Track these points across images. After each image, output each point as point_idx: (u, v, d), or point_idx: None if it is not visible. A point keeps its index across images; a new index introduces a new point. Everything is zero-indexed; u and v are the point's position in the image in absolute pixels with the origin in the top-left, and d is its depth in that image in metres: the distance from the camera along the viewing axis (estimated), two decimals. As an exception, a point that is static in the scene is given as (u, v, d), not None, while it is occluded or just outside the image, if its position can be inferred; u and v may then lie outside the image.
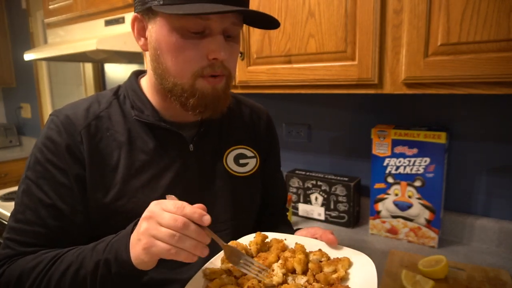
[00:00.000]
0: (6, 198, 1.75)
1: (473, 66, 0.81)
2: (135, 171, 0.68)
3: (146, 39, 0.67)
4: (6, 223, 1.65)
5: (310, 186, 1.37)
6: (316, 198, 1.36)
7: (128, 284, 0.57)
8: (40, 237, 0.65)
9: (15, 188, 1.90)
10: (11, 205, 1.66)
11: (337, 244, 0.67)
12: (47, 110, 2.92)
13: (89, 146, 0.66)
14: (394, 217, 1.20)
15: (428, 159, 1.11)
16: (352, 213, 1.30)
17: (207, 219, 0.53)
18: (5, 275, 0.63)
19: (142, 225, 0.53)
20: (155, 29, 0.63)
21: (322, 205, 1.35)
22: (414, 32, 0.86)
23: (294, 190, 1.41)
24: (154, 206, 0.54)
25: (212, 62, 0.63)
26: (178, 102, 0.66)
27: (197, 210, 0.53)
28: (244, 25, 0.69)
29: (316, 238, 0.70)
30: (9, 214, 1.62)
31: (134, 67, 2.18)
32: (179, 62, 0.63)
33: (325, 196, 1.34)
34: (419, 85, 0.90)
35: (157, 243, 0.51)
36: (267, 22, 0.67)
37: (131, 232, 0.56)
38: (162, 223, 0.51)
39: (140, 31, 0.67)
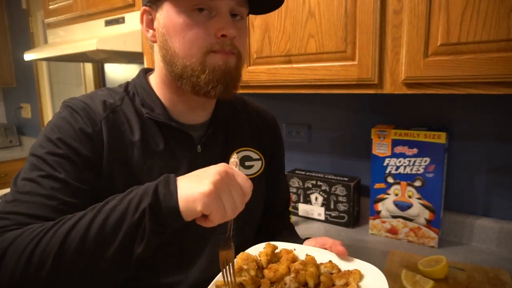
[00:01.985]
0: (6, 198, 1.75)
1: (473, 66, 0.81)
2: (146, 170, 0.68)
3: (154, 30, 0.68)
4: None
5: (310, 186, 1.37)
6: (316, 198, 1.36)
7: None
8: (44, 209, 0.57)
9: (15, 188, 1.90)
10: (11, 205, 1.67)
11: (347, 255, 0.67)
12: (47, 110, 2.92)
13: (108, 138, 0.65)
14: (394, 217, 1.20)
15: (428, 159, 1.11)
16: (352, 213, 1.30)
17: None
18: None
19: (216, 176, 0.51)
20: (163, 15, 0.64)
21: (322, 205, 1.35)
22: (414, 32, 0.86)
23: (294, 190, 1.41)
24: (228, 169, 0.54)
25: (221, 40, 0.63)
26: (190, 85, 0.65)
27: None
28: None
29: (325, 249, 0.69)
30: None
31: (134, 67, 2.18)
32: (187, 41, 0.63)
33: (325, 196, 1.34)
34: (419, 85, 0.90)
35: (219, 202, 0.51)
36: (271, 2, 0.69)
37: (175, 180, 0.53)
38: (232, 189, 0.52)
39: (149, 24, 0.69)
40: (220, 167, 0.53)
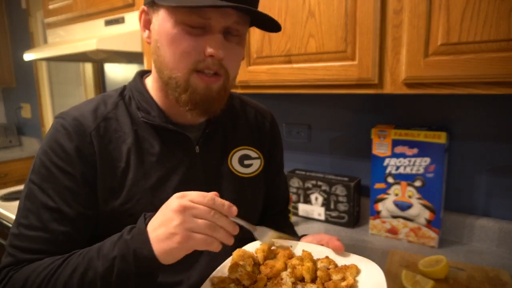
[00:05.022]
0: (6, 198, 1.75)
1: (473, 66, 0.81)
2: (143, 173, 0.68)
3: (150, 31, 0.68)
4: (6, 223, 1.64)
5: (310, 186, 1.37)
6: (316, 198, 1.36)
7: (143, 285, 0.56)
8: (43, 243, 0.63)
9: (15, 188, 1.90)
10: (11, 205, 1.67)
11: (344, 250, 0.67)
12: (47, 110, 2.92)
13: (99, 148, 0.66)
14: (394, 217, 1.20)
15: (428, 159, 1.11)
16: (352, 213, 1.30)
17: (234, 210, 0.55)
18: (11, 282, 0.61)
19: (175, 219, 0.53)
20: (158, 22, 0.64)
21: (322, 205, 1.35)
22: (414, 32, 0.86)
23: (294, 190, 1.41)
24: (182, 200, 0.54)
25: (209, 59, 0.62)
26: (173, 97, 0.66)
27: (225, 202, 0.55)
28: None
29: (322, 245, 0.69)
30: (8, 214, 1.62)
31: (134, 67, 2.18)
32: (176, 54, 0.62)
33: (325, 196, 1.34)
34: (419, 85, 0.90)
35: (194, 236, 0.52)
36: (269, 23, 0.67)
37: (146, 227, 0.56)
38: (197, 215, 0.53)
39: (146, 24, 0.69)
40: (173, 205, 0.54)
